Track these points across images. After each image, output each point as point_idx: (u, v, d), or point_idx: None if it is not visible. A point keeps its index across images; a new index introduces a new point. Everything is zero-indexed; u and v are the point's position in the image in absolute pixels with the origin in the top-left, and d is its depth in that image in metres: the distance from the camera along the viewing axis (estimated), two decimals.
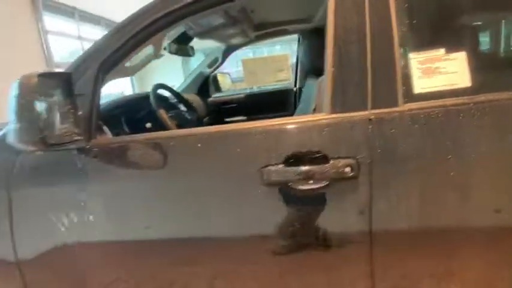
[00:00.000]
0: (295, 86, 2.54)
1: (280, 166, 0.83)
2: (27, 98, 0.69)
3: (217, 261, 0.91)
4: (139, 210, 0.91)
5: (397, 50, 0.83)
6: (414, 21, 0.86)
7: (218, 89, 2.58)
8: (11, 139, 0.78)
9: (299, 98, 2.41)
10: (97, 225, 0.92)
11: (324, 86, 1.01)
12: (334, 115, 0.83)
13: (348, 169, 0.79)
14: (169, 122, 1.23)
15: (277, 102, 2.50)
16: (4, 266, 0.99)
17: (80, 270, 0.98)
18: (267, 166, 0.83)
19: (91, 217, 0.91)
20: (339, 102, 0.84)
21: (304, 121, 0.86)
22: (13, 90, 0.70)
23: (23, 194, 0.95)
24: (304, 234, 0.85)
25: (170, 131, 0.92)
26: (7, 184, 0.94)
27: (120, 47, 0.92)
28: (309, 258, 0.87)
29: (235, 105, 2.53)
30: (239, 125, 0.91)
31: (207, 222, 0.88)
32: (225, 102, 2.45)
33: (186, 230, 0.90)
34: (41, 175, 0.94)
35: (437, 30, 0.89)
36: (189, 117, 1.52)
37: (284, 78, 3.06)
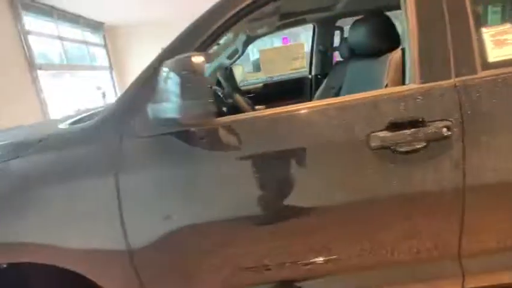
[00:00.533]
0: (310, 73, 2.66)
1: (384, 132, 0.93)
2: (197, 76, 0.73)
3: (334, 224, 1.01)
4: (268, 185, 0.98)
5: (472, 26, 0.96)
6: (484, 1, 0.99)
7: (233, 79, 2.64)
8: (172, 114, 0.81)
9: (316, 83, 2.53)
10: (218, 205, 0.98)
11: (397, 62, 1.13)
12: (424, 85, 0.95)
13: (444, 129, 0.92)
14: (245, 104, 1.29)
15: (294, 90, 2.61)
16: (115, 255, 1.02)
17: (191, 254, 1.03)
18: (372, 133, 0.93)
19: (207, 197, 0.97)
20: (427, 74, 0.96)
21: (399, 92, 0.97)
22: (176, 69, 0.74)
23: (132, 179, 0.98)
24: (404, 190, 0.97)
25: (286, 108, 0.98)
26: (115, 170, 0.97)
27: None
28: (408, 209, 0.99)
29: (253, 94, 2.61)
30: (340, 99, 1.00)
31: (327, 191, 0.98)
32: (246, 92, 2.51)
33: (308, 200, 0.99)
34: (151, 159, 0.98)
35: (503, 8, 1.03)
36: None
37: (299, 67, 3.17)
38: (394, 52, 1.21)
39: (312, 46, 2.55)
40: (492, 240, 1.02)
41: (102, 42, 7.56)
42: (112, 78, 7.77)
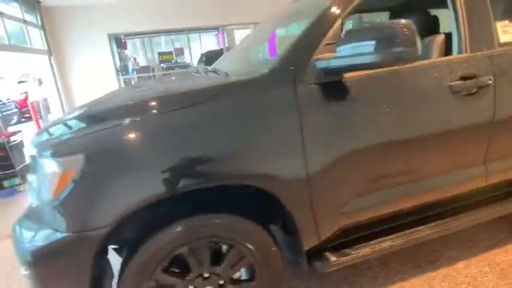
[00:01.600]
0: None
1: (458, 82, 1.50)
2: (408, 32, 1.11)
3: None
4: (398, 122, 1.45)
5: (492, 20, 1.60)
6: None
7: None
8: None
9: None
10: (367, 136, 1.41)
11: (441, 42, 1.72)
12: (471, 54, 1.56)
13: (489, 81, 1.53)
14: None
15: None
16: (296, 176, 1.31)
17: (351, 171, 1.42)
18: (451, 82, 1.49)
19: (362, 129, 1.39)
20: (472, 48, 1.56)
21: (460, 58, 1.55)
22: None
23: (309, 118, 1.30)
24: (464, 120, 1.56)
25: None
26: (297, 110, 1.29)
27: None
28: (465, 133, 1.59)
29: None
30: (430, 61, 1.54)
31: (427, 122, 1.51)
32: None
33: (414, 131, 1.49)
34: (321, 102, 1.33)
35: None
36: None
37: None
38: (436, 36, 1.82)
39: None
40: (507, 151, 1.70)
41: (39, 23, 6.74)
42: (51, 63, 6.97)
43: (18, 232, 1.30)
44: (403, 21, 1.13)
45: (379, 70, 1.35)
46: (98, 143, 1.16)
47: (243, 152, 1.27)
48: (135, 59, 11.56)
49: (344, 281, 1.79)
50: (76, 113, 1.56)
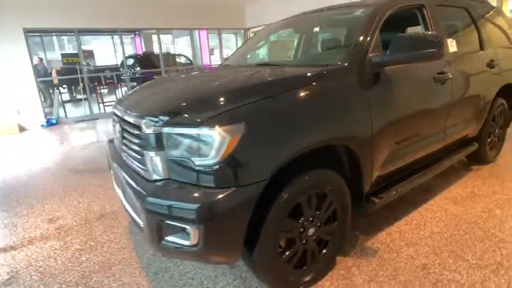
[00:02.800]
0: None
1: (437, 75, 2.30)
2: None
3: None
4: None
5: (444, 32, 2.49)
6: None
7: None
8: None
9: None
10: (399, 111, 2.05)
11: None
12: (444, 55, 2.39)
13: (450, 76, 2.40)
14: None
15: None
16: (366, 137, 1.84)
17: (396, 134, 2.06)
18: (434, 74, 2.28)
19: (398, 106, 2.03)
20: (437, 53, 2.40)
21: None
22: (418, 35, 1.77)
23: (372, 96, 1.85)
24: (440, 101, 2.39)
25: None
26: (365, 90, 1.83)
27: None
28: (440, 110, 2.41)
29: None
30: None
31: (425, 102, 2.24)
32: None
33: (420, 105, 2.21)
34: (375, 85, 1.89)
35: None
36: None
37: None
38: None
39: None
40: (458, 120, 2.61)
41: None
42: None
43: (163, 198, 1.45)
44: (433, 32, 1.80)
45: (402, 65, 2.02)
46: (254, 113, 1.46)
47: (338, 121, 1.74)
48: (41, 59, 10.06)
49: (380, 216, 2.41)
50: (192, 91, 1.82)
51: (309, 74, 1.74)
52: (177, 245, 1.47)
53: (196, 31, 10.13)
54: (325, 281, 1.85)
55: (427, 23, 2.39)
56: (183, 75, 2.58)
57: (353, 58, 1.88)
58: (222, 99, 1.56)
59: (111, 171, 2.21)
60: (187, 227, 1.41)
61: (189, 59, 10.84)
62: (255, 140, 1.43)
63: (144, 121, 1.57)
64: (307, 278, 1.80)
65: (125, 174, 1.77)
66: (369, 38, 1.94)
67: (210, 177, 1.42)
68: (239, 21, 10.39)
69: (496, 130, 3.37)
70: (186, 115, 1.51)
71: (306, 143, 1.59)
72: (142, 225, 1.60)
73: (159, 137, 1.51)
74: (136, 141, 1.67)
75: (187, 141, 1.45)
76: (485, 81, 2.92)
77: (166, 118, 1.52)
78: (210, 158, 1.40)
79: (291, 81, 1.72)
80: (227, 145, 1.38)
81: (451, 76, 2.42)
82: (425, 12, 2.40)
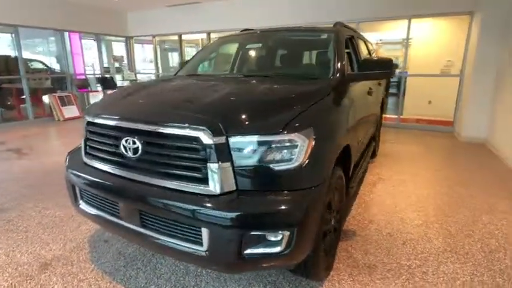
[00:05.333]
0: None
1: (369, 89, 3.02)
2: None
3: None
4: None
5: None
6: None
7: None
8: None
9: None
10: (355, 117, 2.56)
11: None
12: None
13: (372, 89, 3.17)
14: None
15: None
16: (354, 138, 2.26)
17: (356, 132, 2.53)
18: (369, 89, 2.99)
19: (355, 112, 2.55)
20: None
21: None
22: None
23: (349, 102, 2.31)
24: (372, 109, 3.14)
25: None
26: (350, 97, 2.27)
27: None
28: (370, 115, 3.15)
29: None
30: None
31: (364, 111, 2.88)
32: None
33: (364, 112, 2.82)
34: (350, 93, 2.36)
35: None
36: None
37: None
38: None
39: None
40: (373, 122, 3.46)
41: None
42: None
43: (246, 210, 1.40)
44: (389, 57, 2.43)
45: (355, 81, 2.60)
46: (313, 118, 1.61)
47: (348, 121, 2.10)
48: None
49: None
50: (246, 101, 1.74)
51: (326, 84, 2.03)
52: (262, 255, 1.43)
53: (67, 34, 8.38)
54: (336, 264, 2.15)
55: (355, 49, 3.10)
56: (166, 84, 2.32)
57: (341, 72, 2.29)
58: (280, 106, 1.62)
59: (84, 202, 1.87)
60: (279, 232, 1.41)
61: (47, 65, 8.84)
62: (320, 143, 1.59)
63: (202, 132, 1.44)
64: (327, 264, 2.05)
65: (150, 197, 1.54)
66: (344, 57, 2.40)
67: (290, 181, 1.48)
68: (121, 28, 9.36)
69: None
70: (255, 123, 1.49)
71: (344, 142, 1.87)
72: (203, 248, 1.45)
73: (224, 147, 1.43)
74: (186, 155, 1.49)
75: (264, 148, 1.45)
76: (378, 94, 3.99)
77: (233, 127, 1.46)
78: (292, 162, 1.46)
79: (321, 90, 1.94)
80: (306, 148, 1.48)
81: (373, 89, 3.21)
82: (353, 41, 3.10)
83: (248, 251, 1.42)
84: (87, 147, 1.90)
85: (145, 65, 11.99)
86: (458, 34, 6.18)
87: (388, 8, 6.14)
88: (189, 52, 10.79)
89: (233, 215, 1.38)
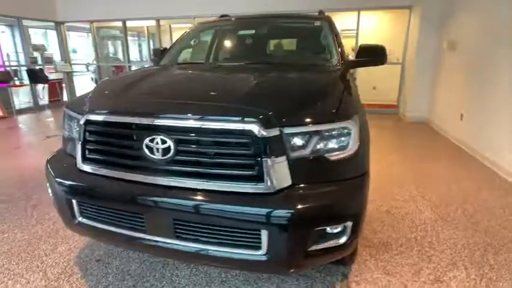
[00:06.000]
0: None
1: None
2: None
3: None
4: None
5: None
6: None
7: None
8: None
9: None
10: None
11: None
12: None
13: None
14: None
15: None
16: None
17: None
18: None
19: None
20: None
21: None
22: None
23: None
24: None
25: None
26: (350, 78, 2.29)
27: None
28: None
29: None
30: None
31: None
32: None
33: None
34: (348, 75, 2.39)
35: None
36: None
37: None
38: None
39: None
40: None
41: None
42: None
43: (314, 206, 1.30)
44: (382, 45, 2.51)
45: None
46: (352, 104, 1.58)
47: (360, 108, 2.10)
48: None
49: None
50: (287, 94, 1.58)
51: (340, 71, 2.01)
52: (326, 249, 1.36)
53: None
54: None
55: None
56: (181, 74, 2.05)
57: (344, 60, 2.29)
58: (322, 95, 1.55)
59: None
60: (345, 224, 1.35)
61: None
62: (362, 128, 1.56)
63: (254, 124, 1.29)
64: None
65: (190, 204, 1.35)
66: (339, 45, 2.41)
67: (346, 170, 1.43)
68: (47, 12, 7.90)
69: None
70: (308, 112, 1.40)
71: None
72: (261, 252, 1.33)
73: (279, 139, 1.31)
74: (234, 151, 1.33)
75: (319, 138, 1.36)
76: None
77: (286, 118, 1.34)
78: (347, 150, 1.40)
79: (341, 77, 1.90)
80: (357, 135, 1.44)
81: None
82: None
83: (312, 247, 1.33)
84: (86, 151, 1.56)
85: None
86: (397, 26, 6.80)
87: (341, 0, 6.44)
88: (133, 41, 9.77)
89: (299, 212, 1.27)
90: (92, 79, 16.00)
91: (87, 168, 1.55)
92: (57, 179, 1.60)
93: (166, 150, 1.37)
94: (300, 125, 1.34)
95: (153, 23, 8.09)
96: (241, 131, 1.30)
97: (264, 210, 1.28)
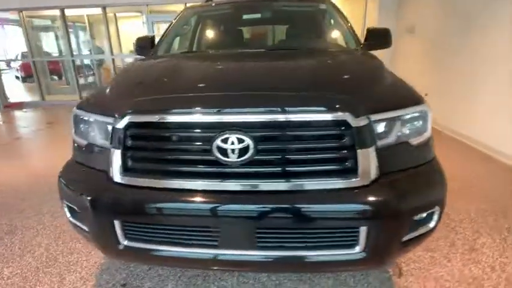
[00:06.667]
0: None
1: None
2: None
3: None
4: None
5: None
6: None
7: None
8: None
9: None
10: None
11: None
12: None
13: None
14: None
15: None
16: None
17: None
18: None
19: None
20: None
21: None
22: None
23: None
24: None
25: None
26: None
27: None
28: None
29: None
30: None
31: None
32: None
33: None
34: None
35: None
36: None
37: None
38: None
39: None
40: None
41: None
42: None
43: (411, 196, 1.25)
44: (387, 28, 2.53)
45: None
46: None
47: None
48: None
49: None
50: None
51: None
52: (418, 237, 1.33)
53: None
54: None
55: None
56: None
57: (360, 43, 2.26)
58: (390, 79, 1.51)
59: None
60: (434, 209, 1.32)
61: None
62: None
63: (348, 113, 1.18)
64: None
65: (279, 208, 1.20)
66: (352, 29, 2.37)
67: (425, 153, 1.39)
68: None
69: None
70: (389, 98, 1.34)
71: None
72: (357, 249, 1.24)
73: (368, 128, 1.22)
74: (324, 144, 1.20)
75: (400, 123, 1.30)
76: None
77: (372, 105, 1.26)
78: (426, 133, 1.37)
79: (377, 59, 1.86)
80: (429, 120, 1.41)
81: None
82: None
83: (406, 237, 1.29)
84: (129, 160, 1.28)
85: None
86: (354, 11, 7.06)
87: None
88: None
89: (399, 202, 1.20)
90: (18, 77, 13.90)
91: (129, 180, 1.28)
92: (89, 198, 1.30)
93: (243, 151, 1.18)
94: (384, 111, 1.26)
95: (94, 11, 7.24)
96: (333, 121, 1.18)
97: (362, 205, 1.18)
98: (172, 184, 1.24)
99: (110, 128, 1.33)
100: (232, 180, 1.21)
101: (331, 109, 1.18)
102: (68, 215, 1.48)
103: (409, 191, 1.25)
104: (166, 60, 2.09)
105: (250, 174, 1.21)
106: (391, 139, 1.28)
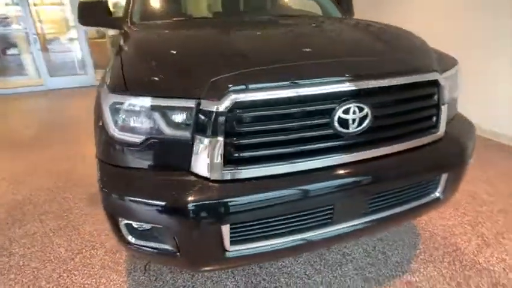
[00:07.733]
0: None
1: None
2: None
3: None
4: None
5: None
6: None
7: None
8: None
9: None
10: None
11: None
12: None
13: None
14: None
15: None
16: None
17: None
18: None
19: None
20: None
21: None
22: None
23: None
24: None
25: None
26: None
27: None
28: None
29: None
30: None
31: None
32: None
33: None
34: None
35: None
36: None
37: None
38: None
39: None
40: None
41: None
42: None
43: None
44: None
45: None
46: None
47: None
48: None
49: None
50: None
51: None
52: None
53: None
54: None
55: None
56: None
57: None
58: (426, 44, 1.61)
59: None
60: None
61: None
62: None
63: (437, 73, 1.29)
64: None
65: (387, 172, 1.24)
66: None
67: (456, 107, 1.58)
68: None
69: None
70: (439, 60, 1.45)
71: None
72: (437, 193, 1.42)
73: (444, 86, 1.33)
74: (424, 104, 1.31)
75: (450, 82, 1.42)
76: None
77: (438, 65, 1.38)
78: (459, 90, 1.57)
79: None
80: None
81: None
82: None
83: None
84: (232, 150, 1.05)
85: None
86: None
87: None
88: None
89: (467, 148, 1.41)
90: None
91: (235, 174, 1.06)
92: (180, 206, 1.02)
93: (362, 120, 1.13)
94: (446, 70, 1.41)
95: None
96: (428, 82, 1.27)
97: (448, 156, 1.37)
98: (292, 167, 1.09)
99: (187, 113, 1.04)
100: (348, 151, 1.16)
101: (427, 70, 1.27)
102: (129, 237, 1.12)
103: (465, 138, 1.46)
104: (197, 28, 1.82)
105: (366, 143, 1.18)
106: (450, 95, 1.45)
